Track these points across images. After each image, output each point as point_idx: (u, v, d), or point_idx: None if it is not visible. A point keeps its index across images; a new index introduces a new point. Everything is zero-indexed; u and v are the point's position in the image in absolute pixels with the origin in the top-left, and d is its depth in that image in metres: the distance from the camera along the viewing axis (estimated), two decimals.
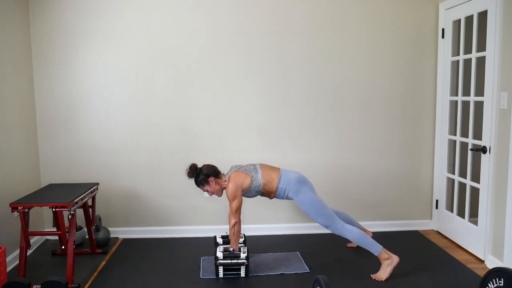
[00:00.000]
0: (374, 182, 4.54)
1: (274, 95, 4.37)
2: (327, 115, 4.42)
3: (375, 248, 3.40)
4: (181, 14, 4.25)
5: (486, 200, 3.63)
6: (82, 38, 4.22)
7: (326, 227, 3.48)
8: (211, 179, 3.54)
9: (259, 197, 4.39)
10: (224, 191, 3.93)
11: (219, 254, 3.44)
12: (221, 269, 3.44)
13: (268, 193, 3.58)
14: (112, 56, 4.25)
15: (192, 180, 4.30)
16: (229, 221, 3.48)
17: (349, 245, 4.10)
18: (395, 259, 3.40)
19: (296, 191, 3.50)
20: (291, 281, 3.38)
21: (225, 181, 3.58)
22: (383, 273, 3.39)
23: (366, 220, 4.54)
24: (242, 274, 3.46)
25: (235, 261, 3.43)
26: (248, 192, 3.54)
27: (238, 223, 3.45)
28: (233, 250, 3.44)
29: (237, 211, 3.44)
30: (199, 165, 3.74)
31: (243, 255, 3.44)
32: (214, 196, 4.42)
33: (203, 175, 3.55)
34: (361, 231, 3.46)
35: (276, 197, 3.60)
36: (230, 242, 3.53)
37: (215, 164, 4.28)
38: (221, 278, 3.44)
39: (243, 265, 3.44)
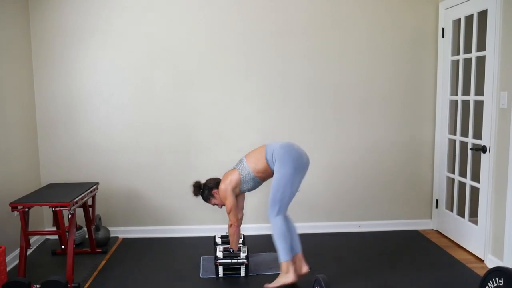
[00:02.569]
0: (374, 182, 4.53)
1: (274, 95, 4.37)
2: (327, 115, 4.42)
3: (282, 255, 3.19)
4: (181, 14, 4.25)
5: (486, 199, 3.63)
6: (82, 38, 4.22)
7: (269, 207, 3.22)
8: (215, 191, 3.51)
9: (259, 196, 4.38)
10: None
11: (219, 254, 3.44)
12: (221, 268, 3.44)
13: (266, 173, 3.33)
14: (112, 56, 4.25)
15: (194, 179, 4.35)
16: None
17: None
18: (291, 277, 3.17)
19: (281, 159, 3.16)
20: None
21: None
22: (275, 282, 3.22)
23: (365, 219, 4.54)
24: (242, 273, 3.46)
25: (235, 260, 3.43)
26: (244, 184, 3.38)
27: (234, 224, 3.42)
28: (233, 250, 3.44)
29: (231, 211, 3.39)
30: (202, 181, 3.72)
31: (243, 255, 3.44)
32: None
33: (208, 190, 3.53)
34: (285, 232, 3.19)
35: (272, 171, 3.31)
36: (230, 243, 3.53)
37: (214, 164, 4.30)
38: (221, 277, 3.44)
39: (243, 264, 3.44)
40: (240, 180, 3.39)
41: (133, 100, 4.32)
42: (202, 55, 4.30)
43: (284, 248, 3.19)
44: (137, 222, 4.45)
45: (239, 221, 3.52)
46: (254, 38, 4.30)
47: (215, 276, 3.46)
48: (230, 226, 3.43)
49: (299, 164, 3.20)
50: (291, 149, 3.22)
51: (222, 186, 3.41)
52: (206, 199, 3.57)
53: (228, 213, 3.41)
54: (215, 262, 3.43)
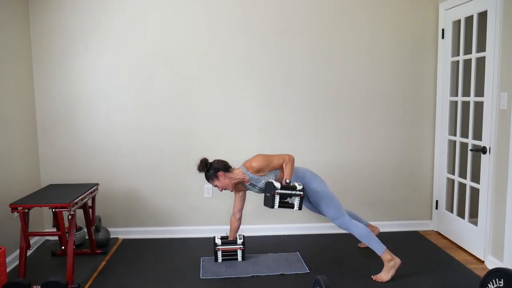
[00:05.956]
0: (373, 182, 4.53)
1: (275, 94, 4.37)
2: (328, 115, 4.42)
3: (379, 247, 3.38)
4: (182, 14, 4.25)
5: (486, 200, 3.63)
6: (82, 38, 4.22)
7: (335, 219, 3.45)
8: (221, 173, 3.50)
9: (259, 197, 4.38)
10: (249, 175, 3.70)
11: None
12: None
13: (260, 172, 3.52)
14: (112, 56, 4.25)
15: (194, 179, 4.37)
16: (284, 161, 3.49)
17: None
18: (397, 261, 3.38)
19: (311, 178, 3.54)
20: (291, 281, 3.38)
21: (239, 173, 3.52)
22: (385, 275, 3.37)
23: (366, 220, 4.53)
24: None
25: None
26: (267, 175, 3.48)
27: (289, 159, 3.44)
28: (289, 182, 3.38)
29: (281, 157, 3.46)
30: (210, 160, 3.70)
31: (299, 187, 3.36)
32: (215, 196, 4.42)
33: (213, 170, 3.51)
34: (367, 229, 3.43)
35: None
36: (284, 174, 3.45)
37: None
38: (221, 278, 3.44)
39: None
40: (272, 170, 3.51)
41: (133, 100, 4.32)
42: (202, 55, 4.30)
43: (376, 241, 3.41)
44: (137, 223, 4.45)
45: (291, 158, 3.50)
46: (255, 37, 4.30)
47: (215, 277, 3.46)
48: (288, 160, 3.44)
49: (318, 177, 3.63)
50: (316, 174, 3.65)
51: (261, 158, 3.46)
52: (209, 178, 3.55)
53: (283, 156, 3.46)
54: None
